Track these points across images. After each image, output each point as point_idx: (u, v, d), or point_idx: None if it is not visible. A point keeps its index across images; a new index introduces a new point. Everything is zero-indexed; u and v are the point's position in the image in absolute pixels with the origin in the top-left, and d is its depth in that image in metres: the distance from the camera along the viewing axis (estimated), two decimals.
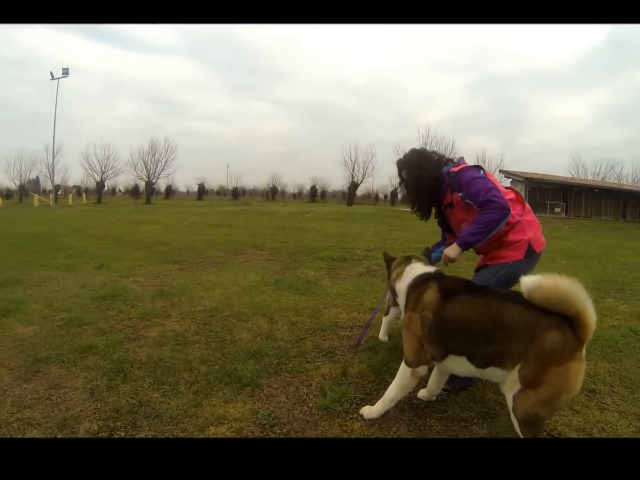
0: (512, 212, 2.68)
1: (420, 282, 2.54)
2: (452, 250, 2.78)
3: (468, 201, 2.75)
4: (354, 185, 50.44)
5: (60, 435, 2.35)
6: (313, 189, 62.73)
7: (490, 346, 2.12)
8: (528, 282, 2.03)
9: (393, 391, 2.51)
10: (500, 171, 42.59)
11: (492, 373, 2.18)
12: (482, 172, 2.81)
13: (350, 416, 2.60)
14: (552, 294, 1.95)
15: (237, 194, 64.36)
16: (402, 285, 2.65)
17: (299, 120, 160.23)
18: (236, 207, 30.57)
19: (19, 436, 2.33)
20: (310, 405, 2.71)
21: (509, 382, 2.06)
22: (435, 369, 2.69)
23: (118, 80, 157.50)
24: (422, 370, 2.44)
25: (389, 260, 2.95)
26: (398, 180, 3.18)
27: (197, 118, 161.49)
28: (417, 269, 2.65)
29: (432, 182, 2.91)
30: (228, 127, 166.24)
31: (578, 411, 2.72)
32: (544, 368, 1.93)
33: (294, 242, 10.13)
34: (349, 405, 2.70)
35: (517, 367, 2.01)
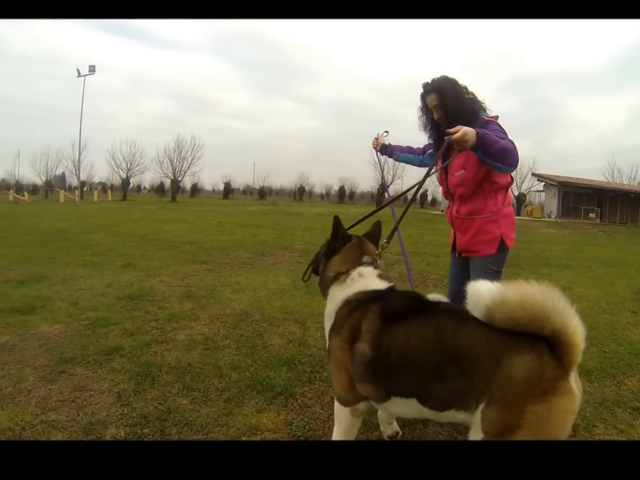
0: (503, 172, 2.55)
1: (361, 301, 2.00)
2: (462, 132, 2.18)
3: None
4: (383, 187, 50.05)
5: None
6: (341, 189, 62.93)
7: (446, 383, 1.67)
8: (486, 295, 1.61)
9: (337, 439, 2.08)
10: (533, 174, 42.12)
11: (453, 417, 1.73)
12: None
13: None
14: (520, 309, 1.54)
15: (263, 193, 65.07)
16: (337, 296, 2.12)
17: (326, 119, 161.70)
18: (263, 207, 30.85)
19: (44, 440, 2.33)
20: None
21: (472, 430, 1.64)
22: (380, 413, 2.38)
23: (144, 78, 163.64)
24: (362, 406, 2.00)
25: (342, 237, 2.31)
26: (420, 106, 2.82)
27: (223, 116, 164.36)
28: (365, 281, 2.09)
29: (466, 110, 2.62)
30: (254, 125, 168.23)
31: (622, 430, 2.57)
32: (514, 408, 1.50)
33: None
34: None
35: (480, 408, 1.58)
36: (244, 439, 2.38)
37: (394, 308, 1.89)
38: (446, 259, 2.87)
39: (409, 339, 1.78)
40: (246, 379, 3.07)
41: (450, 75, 2.73)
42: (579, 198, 35.28)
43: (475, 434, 1.60)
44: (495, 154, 2.31)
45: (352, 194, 64.04)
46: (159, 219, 17.67)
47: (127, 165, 51.28)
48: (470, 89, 2.71)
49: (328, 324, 2.11)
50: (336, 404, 2.03)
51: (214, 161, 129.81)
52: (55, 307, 4.61)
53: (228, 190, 61.64)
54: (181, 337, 3.86)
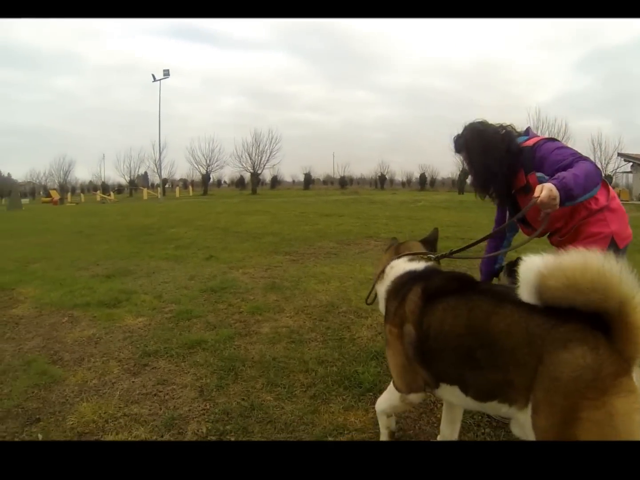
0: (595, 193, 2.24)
1: (401, 285, 2.04)
2: (547, 190, 1.98)
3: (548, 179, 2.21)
4: (464, 173, 48.95)
5: (167, 436, 2.36)
6: (422, 176, 62.32)
7: (482, 373, 1.58)
8: (538, 262, 1.43)
9: (381, 403, 2.12)
10: (619, 155, 39.11)
11: (497, 409, 1.62)
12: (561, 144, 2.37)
13: (483, 430, 2.39)
14: (580, 276, 1.34)
15: (344, 182, 65.36)
16: (380, 292, 2.20)
17: (402, 106, 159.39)
18: (345, 196, 30.86)
19: (125, 433, 2.38)
20: (439, 416, 2.47)
21: (523, 430, 1.50)
22: (444, 403, 2.26)
23: (217, 78, 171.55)
24: (414, 398, 1.96)
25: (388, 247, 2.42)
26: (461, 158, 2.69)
27: (298, 109, 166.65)
28: (399, 267, 2.13)
29: (501, 166, 2.39)
30: (330, 116, 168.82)
31: None
32: (565, 414, 1.31)
33: (409, 232, 9.82)
34: (480, 417, 2.48)
35: (529, 407, 1.43)
36: (330, 439, 2.29)
37: (433, 286, 1.87)
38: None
39: (444, 320, 1.74)
40: (333, 374, 2.99)
41: (478, 120, 2.54)
42: None
43: (527, 437, 1.46)
44: (582, 191, 2.09)
45: (433, 181, 63.12)
46: (240, 211, 18.15)
47: (206, 161, 53.66)
48: (506, 122, 2.52)
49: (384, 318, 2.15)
50: (391, 385, 2.05)
51: (292, 153, 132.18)
52: (139, 300, 4.80)
53: (308, 180, 62.47)
54: (265, 330, 3.85)
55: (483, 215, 14.61)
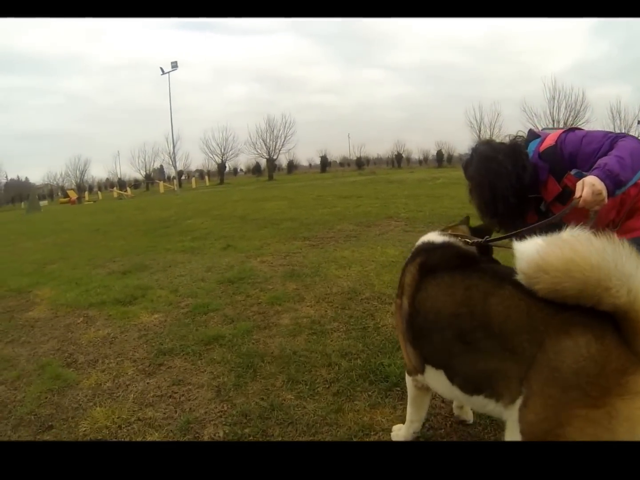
0: None
1: (412, 255, 1.94)
2: (588, 187, 1.72)
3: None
4: None
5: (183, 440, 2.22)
6: (439, 153, 61.41)
7: (473, 358, 1.44)
8: (523, 257, 1.29)
9: (408, 410, 2.05)
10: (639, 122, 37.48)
11: (482, 405, 1.48)
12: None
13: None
14: (565, 276, 1.18)
15: (361, 163, 64.96)
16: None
17: (414, 83, 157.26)
18: (362, 177, 30.52)
19: (139, 439, 2.25)
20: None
21: (508, 429, 1.36)
22: None
23: (227, 66, 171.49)
24: (422, 379, 1.82)
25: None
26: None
27: (311, 92, 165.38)
28: (422, 238, 2.00)
29: (514, 193, 2.04)
30: (343, 97, 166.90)
31: None
32: (560, 410, 1.17)
33: (429, 211, 9.58)
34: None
35: (518, 402, 1.28)
36: (355, 440, 2.13)
37: (432, 260, 1.77)
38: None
39: (438, 296, 1.63)
40: (357, 367, 2.81)
41: (484, 142, 2.24)
42: None
43: (512, 434, 1.31)
44: (631, 172, 1.82)
45: (450, 157, 62.21)
46: (258, 198, 18.00)
47: (221, 150, 53.76)
48: (513, 134, 2.22)
49: None
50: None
51: (307, 137, 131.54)
52: (155, 295, 4.68)
53: (325, 163, 62.13)
54: (285, 321, 3.68)
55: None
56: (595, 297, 1.16)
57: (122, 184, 62.51)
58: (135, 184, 60.73)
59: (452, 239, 1.90)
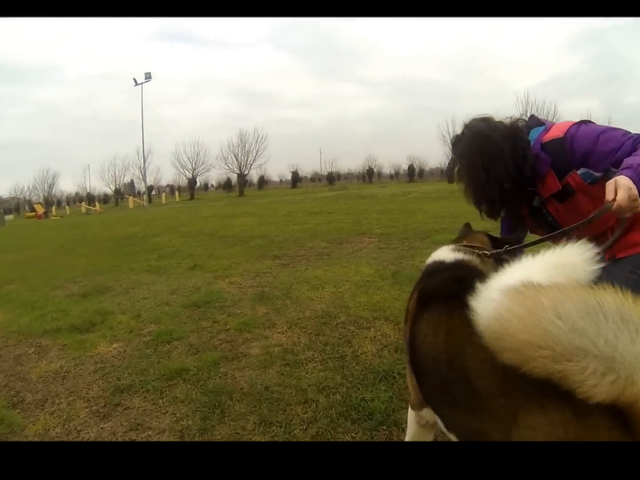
0: None
1: (422, 275, 1.73)
2: (624, 190, 1.46)
3: (599, 175, 1.72)
4: (454, 162, 49.32)
5: None
6: (411, 168, 62.39)
7: (456, 412, 1.25)
8: (481, 315, 1.05)
9: (407, 429, 1.79)
10: None
11: None
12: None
13: None
14: (532, 349, 0.92)
15: (332, 179, 65.43)
16: None
17: (387, 98, 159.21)
18: (333, 192, 30.50)
19: None
20: None
21: None
22: None
23: (202, 79, 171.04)
24: (428, 415, 1.57)
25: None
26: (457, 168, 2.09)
27: (284, 106, 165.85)
28: (434, 255, 1.79)
29: (510, 180, 1.83)
30: (317, 111, 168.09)
31: None
32: None
33: (403, 226, 9.48)
34: None
35: None
36: None
37: (430, 288, 1.55)
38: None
39: (426, 335, 1.41)
40: (337, 403, 2.54)
41: (482, 117, 1.96)
42: None
43: None
44: None
45: (421, 172, 63.19)
46: (227, 214, 17.66)
47: (192, 165, 53.39)
48: (516, 116, 1.97)
49: None
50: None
51: (279, 152, 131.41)
52: (115, 321, 4.34)
53: (296, 179, 62.07)
54: (255, 350, 3.40)
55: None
56: (580, 382, 0.85)
57: (91, 198, 61.07)
58: (105, 199, 59.45)
59: (466, 257, 1.67)
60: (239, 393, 2.75)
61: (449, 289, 1.44)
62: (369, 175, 66.81)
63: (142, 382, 2.99)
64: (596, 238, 1.79)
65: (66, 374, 3.27)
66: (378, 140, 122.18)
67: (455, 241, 1.90)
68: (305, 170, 74.23)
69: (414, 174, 61.09)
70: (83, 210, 43.72)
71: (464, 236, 1.95)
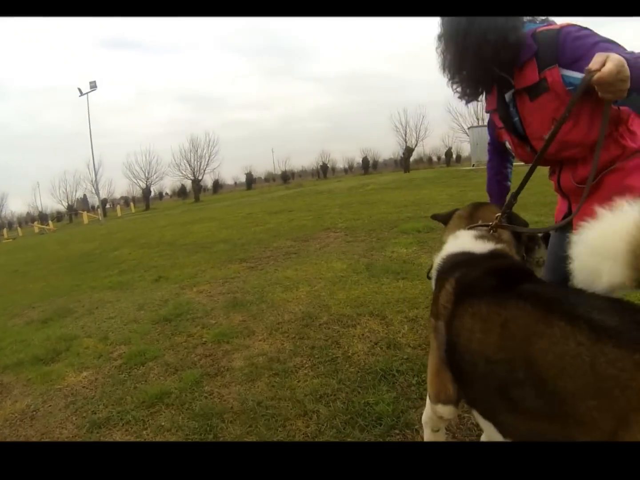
0: None
1: (450, 266, 1.56)
2: (612, 63, 1.27)
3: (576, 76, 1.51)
4: (408, 151, 50.79)
5: None
6: (365, 160, 63.30)
7: (521, 418, 1.06)
8: (628, 218, 0.98)
9: (424, 414, 1.67)
10: None
11: None
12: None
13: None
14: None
15: (286, 177, 65.61)
16: (436, 261, 1.69)
17: (337, 94, 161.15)
18: (290, 191, 30.26)
19: None
20: None
21: None
22: None
23: (149, 87, 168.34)
24: (443, 411, 1.45)
25: (448, 213, 2.00)
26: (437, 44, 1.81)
27: (234, 108, 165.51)
28: (456, 242, 1.65)
29: (494, 47, 1.60)
30: (267, 111, 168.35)
31: None
32: None
33: (367, 218, 9.35)
34: None
35: None
36: None
37: (469, 280, 1.39)
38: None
39: (473, 332, 1.23)
40: (339, 411, 2.36)
41: None
42: None
43: None
44: None
45: (375, 164, 64.01)
46: (185, 221, 17.20)
47: (145, 174, 51.94)
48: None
49: None
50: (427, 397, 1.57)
51: (232, 155, 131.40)
52: (82, 347, 4.03)
53: (250, 180, 61.64)
54: (238, 363, 3.17)
55: (437, 190, 14.34)
56: None
57: (43, 217, 58.93)
58: (58, 217, 57.32)
59: (498, 246, 1.54)
60: (230, 413, 2.53)
61: (492, 280, 1.31)
62: (323, 170, 66.88)
63: (120, 413, 2.72)
64: (574, 170, 1.71)
65: (34, 413, 2.96)
66: (330, 136, 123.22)
67: (467, 219, 1.79)
68: (259, 171, 74.54)
69: (368, 166, 61.87)
70: (36, 230, 42.02)
71: (476, 210, 1.85)
